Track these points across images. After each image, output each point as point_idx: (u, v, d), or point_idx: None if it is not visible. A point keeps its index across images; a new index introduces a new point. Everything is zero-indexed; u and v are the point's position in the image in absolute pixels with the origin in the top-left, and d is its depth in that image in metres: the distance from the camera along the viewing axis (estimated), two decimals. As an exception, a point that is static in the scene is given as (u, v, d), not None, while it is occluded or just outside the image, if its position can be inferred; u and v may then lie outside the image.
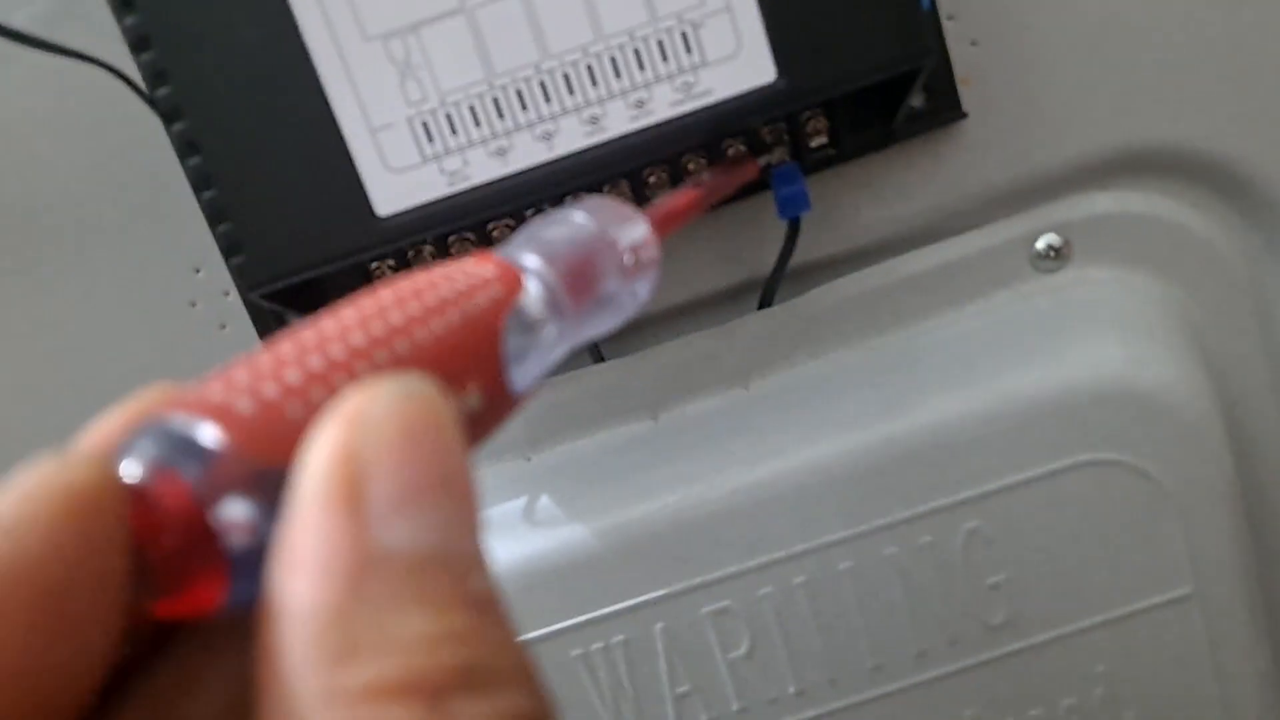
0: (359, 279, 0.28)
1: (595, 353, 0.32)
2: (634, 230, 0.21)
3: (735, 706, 0.31)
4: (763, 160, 0.28)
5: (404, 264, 0.28)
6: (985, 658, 0.31)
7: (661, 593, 0.30)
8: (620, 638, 0.31)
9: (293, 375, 0.12)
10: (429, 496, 0.11)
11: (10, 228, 0.30)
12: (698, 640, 0.31)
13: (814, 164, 0.29)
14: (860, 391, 0.31)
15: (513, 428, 0.32)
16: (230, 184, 0.25)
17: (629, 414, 0.33)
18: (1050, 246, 0.32)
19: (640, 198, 0.28)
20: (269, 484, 0.11)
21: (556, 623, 0.30)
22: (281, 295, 0.26)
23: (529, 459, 0.33)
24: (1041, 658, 0.31)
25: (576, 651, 0.31)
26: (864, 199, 0.31)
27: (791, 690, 0.31)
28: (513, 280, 0.16)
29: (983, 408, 0.30)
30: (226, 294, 0.31)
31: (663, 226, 0.23)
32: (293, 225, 0.25)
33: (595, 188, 0.28)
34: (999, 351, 0.31)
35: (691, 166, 0.28)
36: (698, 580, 0.30)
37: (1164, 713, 0.32)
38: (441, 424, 0.12)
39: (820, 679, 0.31)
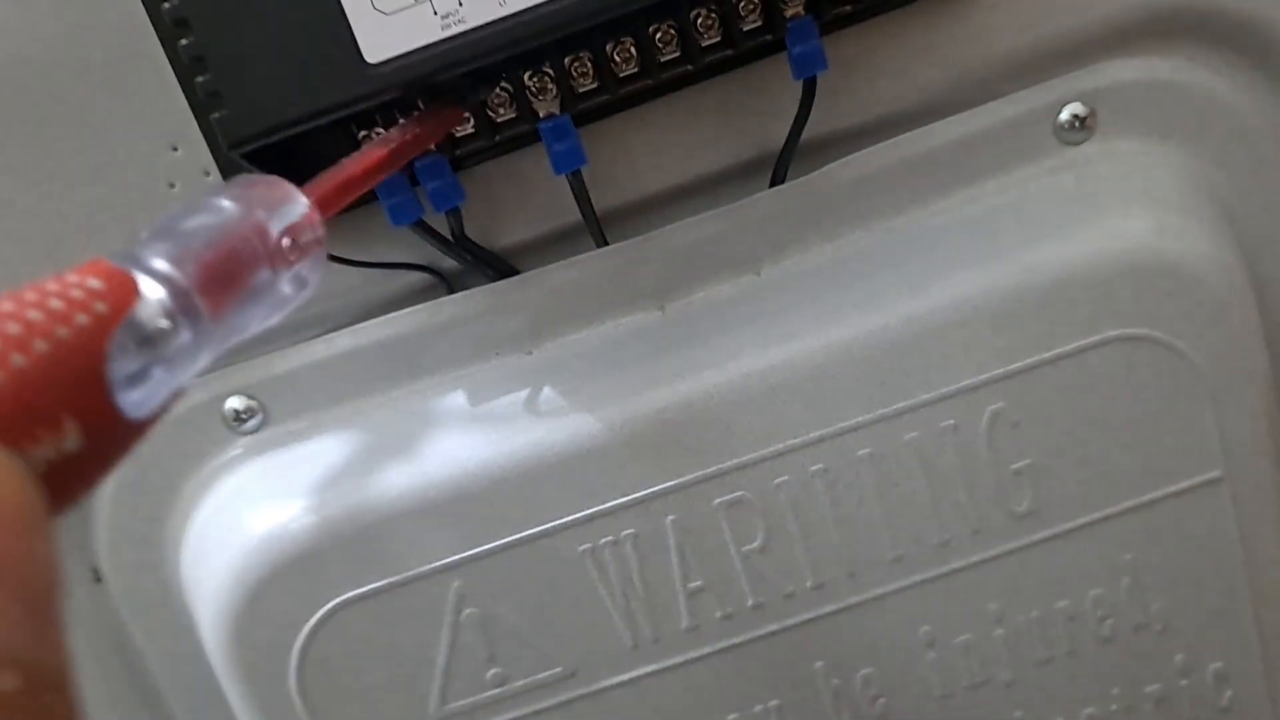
0: (345, 142, 0.26)
1: (598, 237, 0.30)
2: (290, 210, 0.19)
3: (750, 602, 0.30)
4: (789, 11, 0.26)
5: (391, 124, 0.26)
6: (1010, 548, 0.30)
7: (672, 484, 0.29)
8: (630, 531, 0.29)
9: None
10: None
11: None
12: (710, 533, 0.29)
13: (831, 23, 0.28)
14: (878, 272, 0.30)
15: (514, 320, 0.31)
16: (207, 30, 0.23)
17: (634, 303, 0.31)
18: (1075, 117, 0.30)
19: (646, 55, 0.27)
20: None
21: (563, 516, 0.29)
22: (265, 156, 0.25)
23: (530, 352, 0.31)
24: (1068, 547, 0.30)
25: (584, 546, 0.29)
26: (882, 63, 0.29)
27: (809, 584, 0.30)
28: (124, 291, 0.15)
29: (1007, 283, 0.29)
30: (207, 174, 0.29)
31: (333, 199, 0.21)
32: (276, 75, 0.23)
33: (598, 33, 0.26)
34: (1022, 227, 0.30)
35: (701, 24, 0.27)
36: (710, 470, 0.29)
37: (1192, 602, 0.31)
38: None
39: (838, 572, 0.30)
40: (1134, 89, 0.30)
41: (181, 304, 0.15)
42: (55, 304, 0.13)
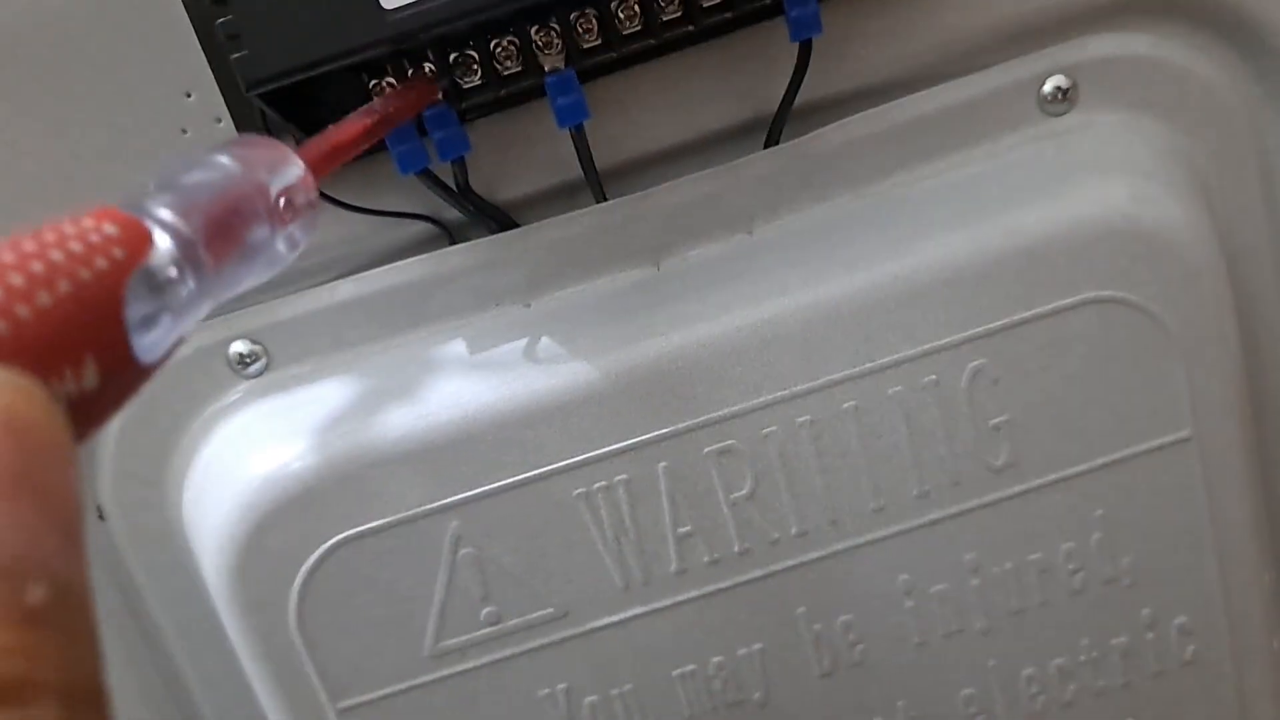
0: (354, 92, 0.27)
1: (598, 193, 0.31)
2: (287, 172, 0.20)
3: (737, 548, 0.31)
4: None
5: (401, 76, 0.27)
6: (987, 500, 0.31)
7: (664, 431, 0.30)
8: (623, 476, 0.30)
9: None
10: None
11: (-12, 48, 0.29)
12: (700, 480, 0.30)
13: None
14: (867, 233, 0.31)
15: (513, 272, 0.32)
16: (228, -29, 0.24)
17: (630, 259, 0.32)
18: (1058, 88, 0.31)
19: (649, 14, 0.28)
20: None
21: (558, 461, 0.30)
22: (277, 99, 0.25)
23: (528, 305, 0.32)
24: (1042, 501, 0.31)
25: (579, 490, 0.30)
26: (875, 30, 0.30)
27: (793, 531, 0.31)
28: (139, 239, 0.15)
29: (989, 245, 0.30)
30: (219, 120, 0.30)
31: (324, 163, 0.22)
32: (295, 18, 0.24)
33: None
34: (1005, 192, 0.31)
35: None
36: (701, 419, 0.30)
37: (1159, 558, 0.32)
38: (20, 420, 0.11)
39: (822, 520, 0.31)
40: (1115, 63, 0.31)
41: (187, 254, 0.16)
42: (75, 246, 0.14)
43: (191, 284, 0.16)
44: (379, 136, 0.24)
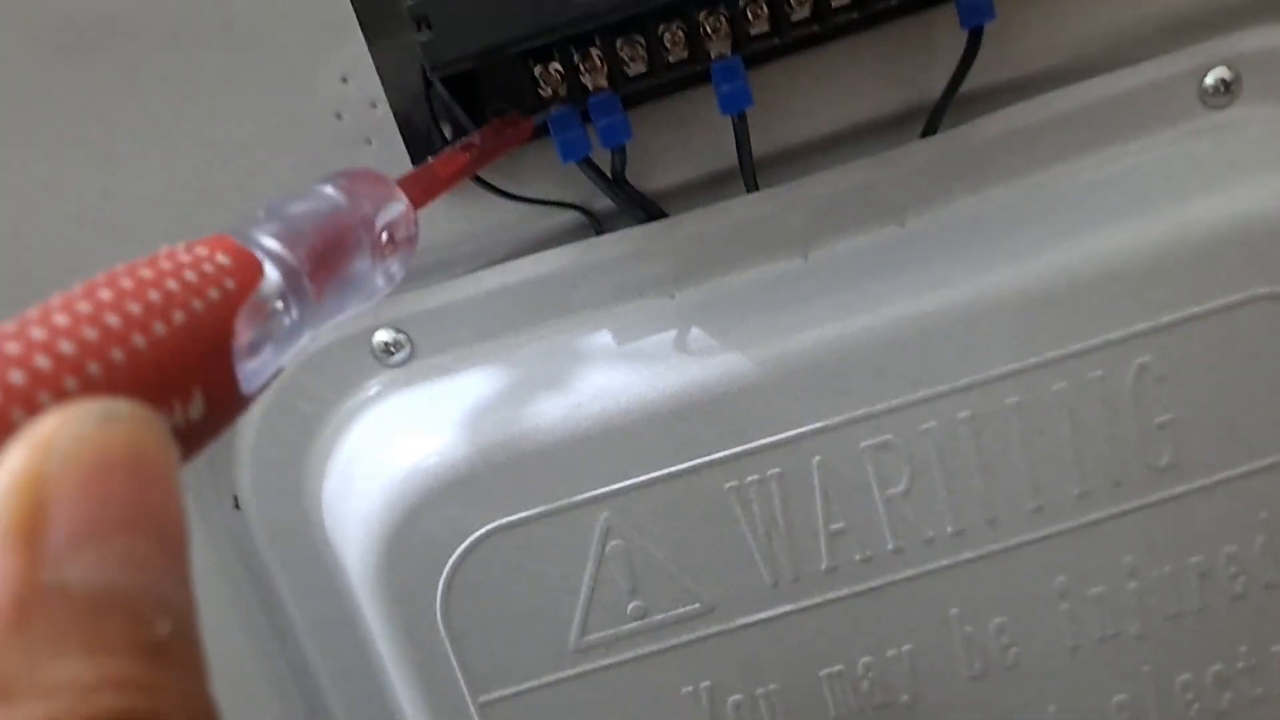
0: (524, 84, 0.27)
1: (750, 181, 0.30)
2: (391, 206, 0.20)
3: (890, 546, 0.30)
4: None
5: (570, 68, 0.27)
6: (1148, 500, 0.30)
7: (820, 425, 0.29)
8: (776, 470, 0.30)
9: None
10: (116, 533, 0.11)
11: (145, 27, 0.29)
12: (855, 475, 0.30)
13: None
14: (1026, 225, 0.30)
15: (659, 263, 0.31)
16: (419, -49, 0.23)
17: (778, 250, 0.31)
18: (1221, 81, 0.31)
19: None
20: None
21: (710, 454, 0.30)
22: (453, 85, 0.25)
23: (673, 296, 0.32)
24: (1205, 502, 0.30)
25: (731, 484, 0.30)
26: (1040, 18, 0.30)
27: (949, 530, 0.30)
28: (251, 270, 0.15)
29: (1156, 238, 0.29)
30: (374, 106, 0.29)
31: (424, 196, 0.22)
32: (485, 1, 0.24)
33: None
34: (1169, 186, 0.30)
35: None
36: (859, 413, 0.29)
37: (1323, 564, 0.31)
38: (141, 454, 0.11)
39: (979, 519, 0.30)
40: (1278, 55, 0.31)
41: (292, 284, 0.16)
42: (190, 276, 0.14)
43: (295, 314, 0.16)
44: (474, 171, 0.25)
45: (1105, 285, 0.29)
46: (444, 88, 0.25)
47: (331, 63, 0.29)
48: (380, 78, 0.29)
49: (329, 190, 0.19)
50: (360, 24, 0.28)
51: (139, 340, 0.13)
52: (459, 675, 0.31)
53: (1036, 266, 0.29)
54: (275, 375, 0.16)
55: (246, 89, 0.29)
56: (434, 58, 0.24)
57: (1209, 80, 0.31)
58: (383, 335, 0.32)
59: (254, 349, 0.15)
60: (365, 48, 0.29)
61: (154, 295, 0.13)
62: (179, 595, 0.11)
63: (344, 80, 0.29)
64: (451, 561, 0.30)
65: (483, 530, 0.30)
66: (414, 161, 0.30)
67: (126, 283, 0.13)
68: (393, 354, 0.32)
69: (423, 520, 0.29)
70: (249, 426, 0.32)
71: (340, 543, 0.32)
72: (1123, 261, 0.29)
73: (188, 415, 0.13)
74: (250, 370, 0.15)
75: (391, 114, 0.29)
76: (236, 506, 0.33)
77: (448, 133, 0.29)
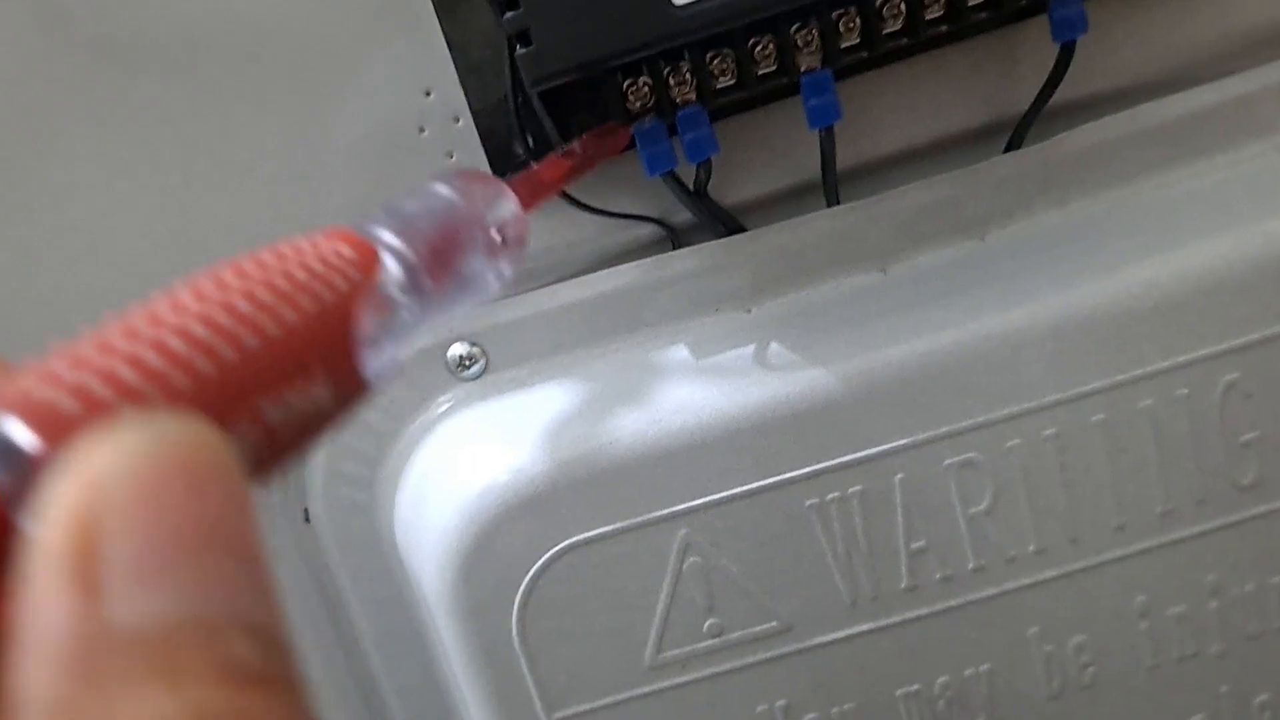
0: (610, 98, 0.26)
1: (832, 196, 0.30)
2: (502, 206, 0.20)
3: (971, 565, 0.30)
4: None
5: (659, 82, 0.26)
6: (1232, 519, 0.30)
7: (903, 442, 0.29)
8: (857, 488, 0.29)
9: (126, 372, 0.11)
10: (181, 558, 0.10)
11: (228, 43, 0.29)
12: (938, 493, 0.30)
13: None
14: (1111, 240, 0.30)
15: (736, 277, 0.31)
16: (521, -34, 0.23)
17: (857, 264, 0.31)
18: (1309, 95, 0.30)
19: (913, 13, 0.27)
20: None
21: (791, 470, 0.29)
22: (548, 95, 0.25)
23: (749, 310, 0.31)
24: (1289, 521, 0.30)
25: (811, 501, 0.29)
26: (1128, 32, 0.30)
27: (1031, 549, 0.30)
28: (371, 260, 0.15)
29: (1246, 253, 0.29)
30: (457, 120, 0.29)
31: (530, 200, 0.22)
32: (583, 13, 0.23)
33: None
34: (1257, 199, 0.30)
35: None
36: (943, 430, 0.29)
37: (1407, 584, 0.31)
38: (199, 469, 0.11)
39: (1061, 538, 0.30)
40: (1369, 68, 0.30)
41: (411, 278, 0.16)
42: (317, 266, 0.14)
43: (414, 307, 0.17)
44: (577, 177, 0.25)
45: (1191, 301, 0.29)
46: (545, 100, 0.25)
47: (414, 76, 0.29)
48: (464, 91, 0.29)
49: (442, 188, 0.20)
50: (445, 37, 0.28)
51: (269, 325, 0.13)
52: (533, 691, 0.31)
53: (1121, 282, 0.29)
54: (395, 366, 0.16)
55: (327, 105, 0.29)
56: (534, 72, 0.24)
57: (1295, 94, 0.30)
58: (458, 349, 0.31)
59: (375, 340, 0.15)
60: (449, 61, 0.28)
61: (281, 283, 0.14)
62: (262, 613, 0.10)
63: (427, 94, 0.29)
64: (528, 578, 0.29)
65: (559, 546, 0.29)
66: (496, 174, 0.29)
67: (254, 268, 0.14)
68: (468, 367, 0.32)
69: (499, 536, 0.29)
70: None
71: (414, 558, 0.31)
72: (1209, 277, 0.29)
73: (316, 402, 0.14)
74: (374, 360, 0.15)
75: (475, 127, 0.29)
76: (307, 520, 0.33)
77: (530, 146, 0.29)
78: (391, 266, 0.16)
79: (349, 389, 0.15)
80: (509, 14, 0.23)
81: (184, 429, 0.11)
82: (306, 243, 0.15)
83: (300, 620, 0.34)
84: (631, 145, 0.28)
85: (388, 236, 0.17)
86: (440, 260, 0.18)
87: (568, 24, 0.23)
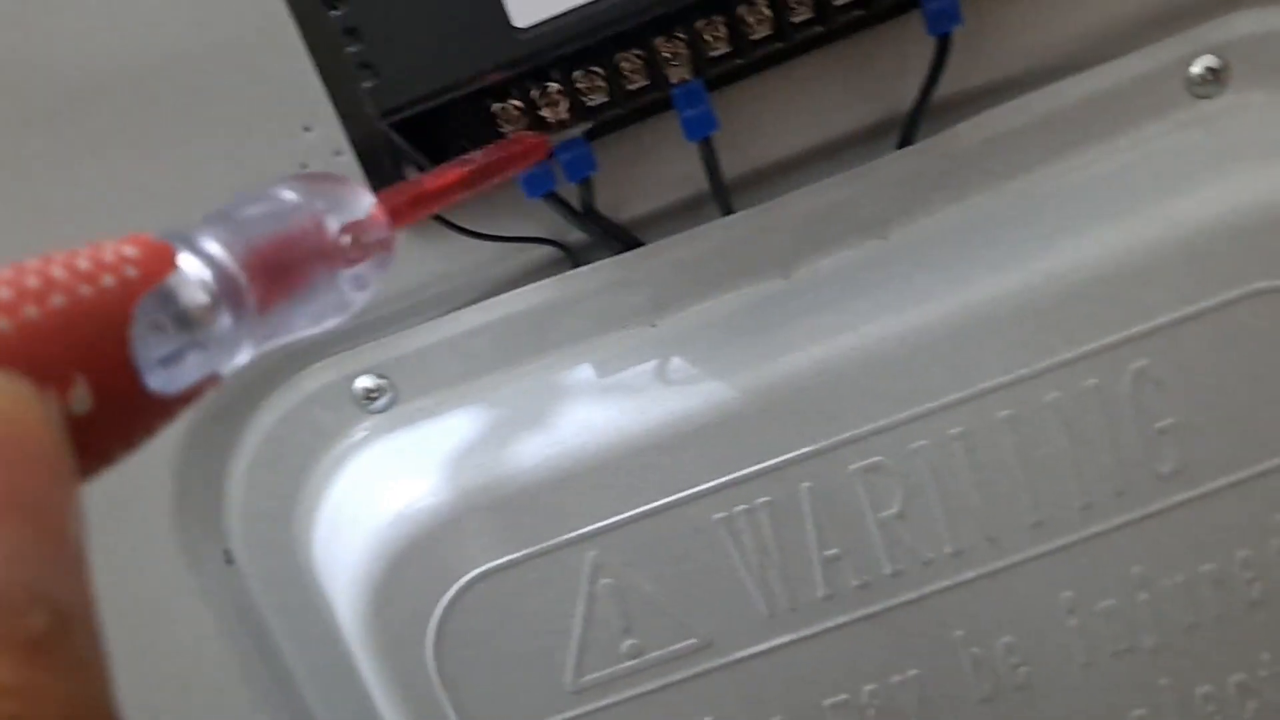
0: (484, 123, 0.26)
1: (724, 205, 0.30)
2: (352, 206, 0.19)
3: (888, 570, 0.30)
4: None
5: (528, 103, 0.26)
6: (1154, 509, 0.29)
7: (807, 450, 0.29)
8: (764, 499, 0.29)
9: None
10: None
11: (108, 91, 0.29)
12: (847, 500, 0.29)
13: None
14: (1011, 232, 0.29)
15: (638, 293, 0.31)
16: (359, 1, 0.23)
17: (758, 272, 0.31)
18: (1208, 69, 0.30)
19: (780, 16, 0.26)
20: None
21: (696, 485, 0.29)
22: (409, 128, 0.25)
23: (654, 325, 0.31)
24: (1214, 507, 0.29)
25: (719, 515, 0.29)
26: (1012, 19, 0.29)
27: (948, 550, 0.29)
28: (159, 262, 0.14)
29: (1147, 237, 0.28)
30: (339, 153, 0.29)
31: (410, 208, 0.21)
32: (425, 43, 0.23)
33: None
34: (1158, 182, 0.29)
35: None
36: (846, 435, 0.29)
37: (1344, 564, 0.30)
38: (12, 430, 0.10)
39: (978, 538, 0.29)
40: (1269, 40, 0.29)
41: (225, 287, 0.15)
42: (83, 264, 0.13)
43: (228, 319, 0.15)
44: (476, 187, 0.23)
45: (1096, 289, 0.28)
46: (398, 132, 0.25)
47: (292, 114, 0.29)
48: (343, 125, 0.29)
49: (283, 192, 0.18)
50: (319, 72, 0.28)
51: (3, 323, 0.12)
52: (457, 722, 0.30)
53: (1023, 274, 0.28)
54: (210, 383, 0.15)
55: (208, 147, 0.29)
56: (381, 104, 0.24)
57: (1195, 69, 0.30)
58: (363, 381, 0.31)
59: (172, 351, 0.14)
60: (325, 96, 0.28)
61: (32, 281, 0.13)
62: (63, 588, 0.10)
63: (307, 129, 0.29)
64: (440, 608, 0.29)
65: (469, 576, 0.29)
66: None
67: (7, 273, 0.13)
68: (374, 399, 0.31)
69: (407, 569, 0.29)
70: (237, 479, 0.32)
71: (332, 593, 0.31)
72: (1113, 263, 0.28)
73: (69, 407, 0.13)
74: (165, 371, 0.14)
75: (357, 160, 0.29)
76: (229, 561, 0.33)
77: (414, 176, 0.29)
78: (192, 270, 0.15)
79: (125, 399, 0.14)
80: (351, 48, 0.23)
81: (2, 386, 0.11)
82: (92, 246, 0.14)
83: (231, 662, 0.34)
84: (549, 155, 0.27)
85: (204, 242, 0.15)
86: (268, 267, 0.16)
87: (408, 54, 0.23)
